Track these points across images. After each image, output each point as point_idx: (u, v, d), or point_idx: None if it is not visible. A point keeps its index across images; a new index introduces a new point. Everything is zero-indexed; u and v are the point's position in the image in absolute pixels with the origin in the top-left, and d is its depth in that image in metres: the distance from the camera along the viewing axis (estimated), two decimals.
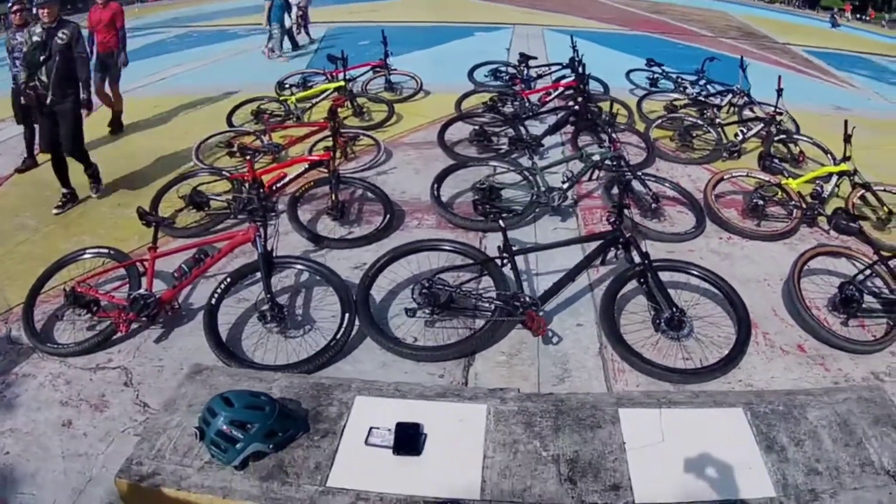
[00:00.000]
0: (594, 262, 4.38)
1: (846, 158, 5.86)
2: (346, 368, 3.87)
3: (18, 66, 5.91)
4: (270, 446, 2.50)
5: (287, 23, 13.71)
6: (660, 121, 7.95)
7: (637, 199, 5.90)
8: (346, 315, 4.04)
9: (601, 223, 5.84)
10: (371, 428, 2.46)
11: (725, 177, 6.11)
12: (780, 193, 5.91)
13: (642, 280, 4.19)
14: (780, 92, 7.38)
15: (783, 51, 16.39)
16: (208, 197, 5.84)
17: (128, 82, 10.95)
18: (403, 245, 4.53)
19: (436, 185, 5.91)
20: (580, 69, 8.20)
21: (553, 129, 7.41)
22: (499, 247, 4.26)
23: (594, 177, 6.07)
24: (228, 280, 4.27)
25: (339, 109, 7.59)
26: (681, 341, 4.08)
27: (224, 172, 6.19)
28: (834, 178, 5.90)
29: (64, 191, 6.23)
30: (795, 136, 7.27)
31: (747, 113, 8.45)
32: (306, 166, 6.03)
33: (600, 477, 2.17)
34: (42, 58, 5.70)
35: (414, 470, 2.24)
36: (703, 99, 8.75)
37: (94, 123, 8.04)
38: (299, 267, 4.49)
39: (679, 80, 9.91)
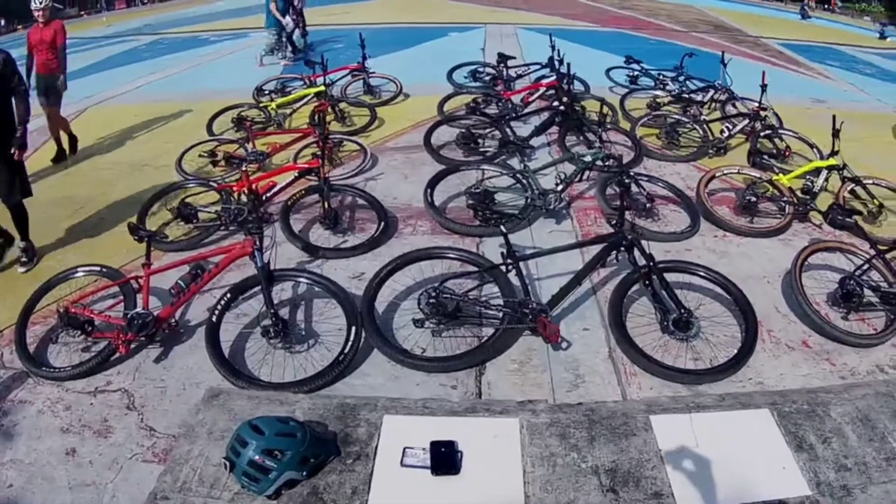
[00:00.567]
0: (601, 265, 4.45)
1: (834, 153, 6.02)
2: (356, 383, 3.87)
3: None
4: (304, 473, 2.48)
5: (289, 26, 13.52)
6: (645, 119, 8.07)
7: (632, 199, 5.99)
8: (353, 328, 4.03)
9: (596, 224, 5.94)
10: (405, 448, 2.47)
11: (717, 174, 6.23)
12: (771, 190, 6.05)
13: (647, 282, 4.28)
14: (764, 87, 7.55)
15: (756, 44, 16.72)
16: (197, 209, 5.78)
17: (105, 91, 10.85)
18: (406, 254, 4.55)
19: (429, 191, 5.93)
20: (566, 69, 8.27)
21: (540, 130, 7.50)
22: (502, 253, 4.30)
23: (584, 177, 6.17)
24: (228, 296, 4.21)
25: (318, 114, 7.62)
26: (689, 342, 4.16)
27: (211, 183, 6.14)
28: (823, 173, 6.06)
29: (22, 244, 5.51)
30: (780, 131, 7.43)
31: (730, 109, 8.63)
32: (296, 174, 6.02)
33: (641, 486, 2.23)
34: None
35: (455, 489, 2.26)
36: (686, 96, 8.91)
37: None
38: (301, 280, 4.47)
39: (660, 77, 10.05)
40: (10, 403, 3.84)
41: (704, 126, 7.87)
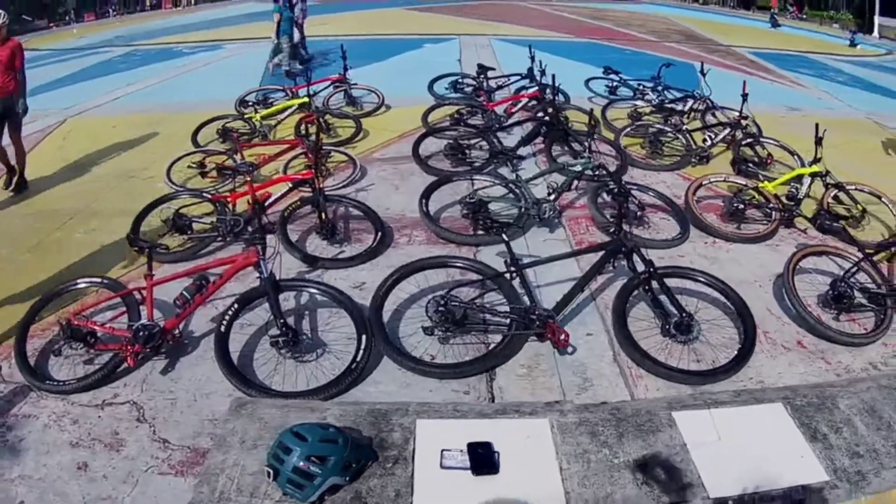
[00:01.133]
0: (600, 271, 4.64)
1: (817, 160, 6.33)
2: (370, 390, 3.98)
3: None
4: (347, 478, 2.57)
5: (296, 37, 13.54)
6: (628, 129, 8.34)
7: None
8: (364, 337, 4.13)
9: (588, 233, 6.14)
10: (442, 451, 2.58)
11: (704, 182, 6.49)
12: (757, 197, 6.33)
13: (647, 288, 4.48)
14: (745, 97, 7.86)
15: (728, 53, 17.29)
16: (191, 220, 5.83)
17: (83, 103, 10.81)
18: (410, 263, 4.68)
19: (424, 201, 6.07)
20: (551, 80, 8.51)
21: (526, 141, 7.72)
22: (505, 261, 4.47)
23: (573, 187, 6.38)
24: (236, 306, 4.27)
25: (309, 126, 7.74)
26: (690, 344, 4.36)
27: (205, 194, 6.20)
28: (807, 180, 6.36)
29: None
30: (762, 139, 7.76)
31: (709, 118, 8.96)
32: (290, 185, 6.12)
33: (673, 477, 2.39)
34: None
35: (495, 488, 2.38)
36: (667, 105, 9.22)
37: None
38: (307, 289, 4.58)
39: (641, 87, 10.36)
40: (13, 418, 3.82)
41: (687, 135, 8.16)
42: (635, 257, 4.54)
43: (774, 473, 2.39)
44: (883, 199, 6.26)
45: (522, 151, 7.64)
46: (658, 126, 8.40)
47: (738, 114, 8.10)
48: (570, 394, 3.92)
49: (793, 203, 6.25)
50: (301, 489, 2.53)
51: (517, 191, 6.17)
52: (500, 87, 10.68)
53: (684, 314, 4.32)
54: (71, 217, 6.53)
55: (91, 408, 3.90)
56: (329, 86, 10.37)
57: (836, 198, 6.32)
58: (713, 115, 9.03)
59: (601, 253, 4.65)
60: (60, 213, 6.63)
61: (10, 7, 7.13)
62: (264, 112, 9.03)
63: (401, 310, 4.75)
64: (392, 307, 4.71)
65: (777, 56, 17.28)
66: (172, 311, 4.48)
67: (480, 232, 5.84)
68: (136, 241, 4.77)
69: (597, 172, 6.29)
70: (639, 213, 6.11)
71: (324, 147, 7.64)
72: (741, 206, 6.18)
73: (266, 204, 5.90)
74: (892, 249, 4.98)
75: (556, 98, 8.47)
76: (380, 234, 5.76)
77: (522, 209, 5.99)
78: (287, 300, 4.75)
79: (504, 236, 4.65)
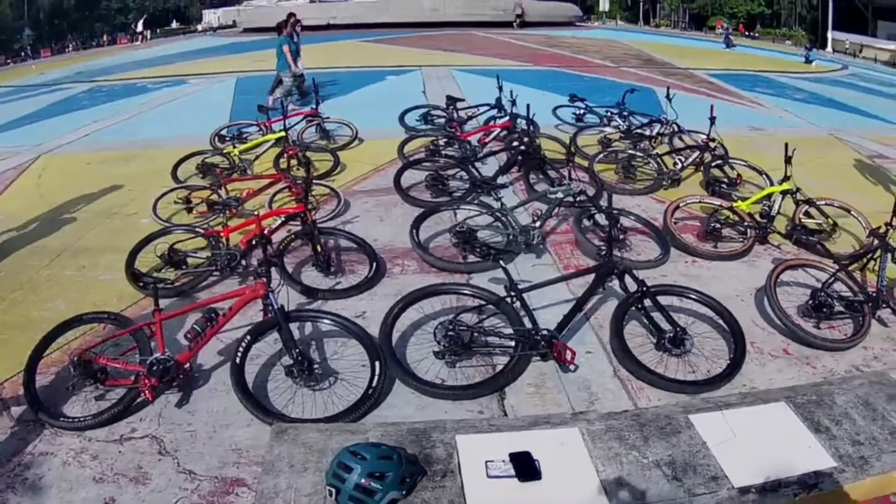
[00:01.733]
0: (595, 293, 4.98)
1: (787, 178, 6.82)
2: (387, 414, 4.19)
3: None
4: (403, 493, 2.77)
5: (300, 68, 13.69)
6: (601, 155, 8.78)
7: (604, 231, 6.57)
8: (377, 363, 4.35)
9: (574, 256, 6.49)
10: (486, 462, 2.82)
11: (681, 204, 6.91)
12: (732, 216, 6.78)
13: (640, 306, 4.82)
14: (713, 120, 8.39)
15: (686, 75, 18.11)
16: (186, 254, 5.98)
17: (52, 139, 10.93)
18: (415, 291, 4.94)
19: (414, 231, 6.34)
20: (526, 110, 8.90)
21: (504, 170, 8.09)
22: (505, 286, 4.76)
23: (553, 213, 6.75)
24: (248, 338, 4.42)
25: (288, 160, 7.99)
26: (684, 357, 4.71)
27: (197, 229, 6.36)
28: (779, 198, 6.84)
29: None
30: (730, 161, 8.28)
31: (677, 142, 9.49)
32: (282, 219, 6.33)
33: (699, 472, 2.69)
34: None
35: (541, 492, 2.63)
36: (639, 131, 9.72)
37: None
38: (317, 319, 4.80)
39: (609, 114, 10.85)
40: (29, 456, 3.87)
41: (658, 159, 8.63)
42: (627, 278, 4.88)
43: (788, 462, 2.72)
44: (851, 212, 6.78)
45: (501, 180, 7.99)
46: (629, 151, 8.85)
47: (705, 136, 8.61)
48: (580, 408, 4.19)
49: (766, 220, 6.71)
50: None
51: (504, 219, 6.49)
52: (470, 118, 11.06)
53: (678, 328, 4.67)
54: (58, 254, 6.63)
55: (110, 443, 3.99)
56: (302, 120, 10.60)
57: (807, 213, 6.81)
58: (680, 138, 9.55)
59: (594, 275, 5.00)
60: (48, 250, 6.73)
61: None
62: (242, 147, 9.23)
63: (405, 336, 4.98)
64: (396, 334, 4.90)
65: (735, 77, 18.17)
66: (180, 345, 4.62)
67: (474, 259, 6.13)
68: (142, 277, 4.90)
69: (578, 198, 6.67)
70: (621, 236, 6.47)
71: (304, 180, 7.90)
72: (717, 225, 6.61)
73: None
74: (864, 260, 5.46)
75: (531, 127, 8.85)
76: (375, 264, 6.00)
77: (510, 236, 6.30)
78: (296, 330, 4.93)
79: (501, 263, 4.96)
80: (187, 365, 4.51)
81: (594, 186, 8.04)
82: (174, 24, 57.93)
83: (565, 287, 5.55)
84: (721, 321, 4.90)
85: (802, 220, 6.73)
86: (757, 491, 2.60)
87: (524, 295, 4.77)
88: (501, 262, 5.02)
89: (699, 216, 7.08)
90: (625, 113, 10.64)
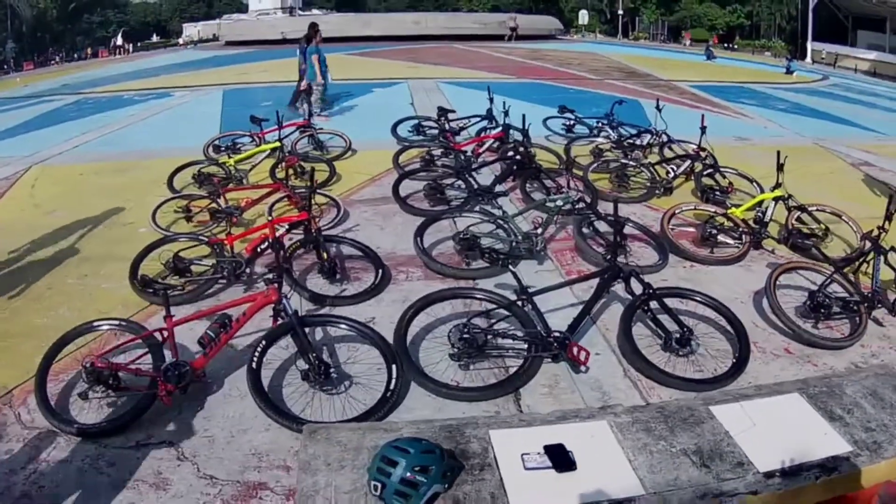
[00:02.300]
0: (601, 296, 5.14)
1: (779, 185, 7.05)
2: (406, 417, 4.27)
3: None
4: (446, 486, 2.85)
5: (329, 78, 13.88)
6: (595, 164, 8.99)
7: (604, 237, 6.75)
8: (394, 366, 4.44)
9: (575, 262, 6.64)
10: (522, 454, 2.93)
11: (677, 212, 7.10)
12: (726, 222, 6.99)
13: (646, 308, 4.99)
14: (703, 129, 8.64)
15: (669, 87, 18.48)
16: (190, 262, 6.04)
17: (42, 150, 10.97)
18: (428, 295, 5.06)
19: (418, 239, 6.47)
20: (521, 120, 9.08)
21: (501, 179, 8.27)
22: (515, 290, 4.91)
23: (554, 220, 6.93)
24: (264, 343, 4.47)
25: (281, 169, 8.11)
26: (690, 357, 4.88)
27: (201, 237, 6.43)
28: (772, 204, 7.06)
29: None
30: (722, 169, 8.52)
31: (667, 152, 9.72)
32: (286, 227, 6.41)
33: (725, 458, 2.83)
34: None
35: (578, 481, 2.74)
36: (631, 141, 9.95)
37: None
38: (331, 324, 4.89)
39: (600, 125, 11.08)
40: (44, 463, 3.86)
41: (650, 168, 8.85)
42: (633, 281, 5.05)
43: (808, 448, 2.88)
44: (843, 217, 7.01)
45: (498, 189, 8.15)
46: (622, 161, 9.07)
47: (695, 146, 8.86)
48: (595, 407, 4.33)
49: (760, 226, 6.93)
50: (407, 499, 2.75)
51: (506, 226, 6.63)
52: (462, 129, 11.23)
53: (684, 329, 4.84)
54: (58, 263, 6.65)
55: (126, 449, 3.99)
56: (295, 130, 10.71)
57: (799, 219, 7.03)
58: (670, 148, 9.79)
59: (600, 279, 5.16)
60: (47, 259, 6.74)
61: None
62: (237, 157, 9.32)
63: (418, 340, 5.08)
64: (409, 337, 4.98)
65: (718, 88, 18.57)
66: (190, 351, 4.66)
67: (478, 265, 6.28)
68: (152, 283, 4.94)
69: (577, 206, 6.85)
70: (622, 243, 6.63)
71: (303, 189, 8.00)
72: (713, 231, 6.81)
73: (265, 246, 6.16)
74: (858, 263, 5.69)
75: (527, 137, 9.03)
76: (381, 271, 6.12)
77: (513, 243, 6.44)
78: (310, 335, 4.99)
79: (511, 267, 5.11)
80: (201, 371, 4.51)
81: (590, 195, 8.23)
82: (154, 38, 57.95)
83: (570, 292, 5.71)
84: (725, 322, 5.08)
85: (795, 226, 6.95)
86: (781, 475, 2.76)
87: (534, 298, 4.92)
88: (511, 266, 5.16)
89: (694, 223, 7.28)
90: (614, 124, 10.87)
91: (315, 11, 60.68)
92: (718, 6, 49.95)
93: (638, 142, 10.08)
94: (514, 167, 8.49)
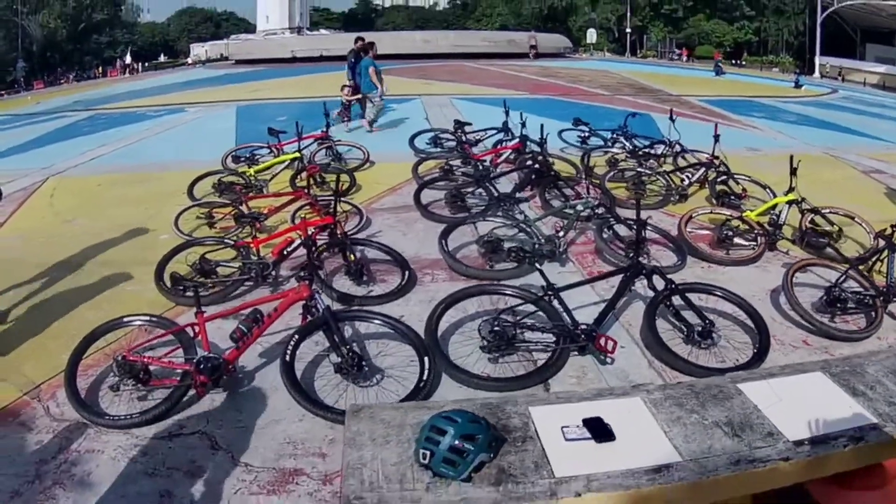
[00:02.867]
0: (624, 293, 5.33)
1: (792, 189, 7.26)
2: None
3: None
4: (491, 455, 3.02)
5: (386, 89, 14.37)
6: (613, 173, 9.23)
7: (624, 240, 6.95)
8: (426, 358, 4.64)
9: (595, 264, 6.85)
10: (561, 427, 3.10)
11: (693, 215, 7.33)
12: (742, 225, 7.19)
13: (668, 303, 5.18)
14: (717, 138, 8.90)
15: (680, 102, 18.76)
16: (217, 264, 6.26)
17: (58, 163, 11.26)
18: (458, 291, 5.32)
19: (443, 241, 6.69)
20: (540, 131, 9.34)
21: (521, 187, 8.50)
22: (542, 286, 5.11)
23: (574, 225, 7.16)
24: (297, 336, 4.65)
25: (301, 179, 8.52)
26: (712, 348, 5.09)
27: (226, 240, 6.69)
28: (786, 207, 7.28)
29: None
30: (734, 176, 8.73)
31: (681, 161, 9.95)
32: (312, 230, 6.62)
33: (755, 429, 2.99)
34: None
35: (617, 451, 2.89)
36: (647, 151, 10.21)
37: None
38: (363, 319, 5.09)
39: (615, 136, 11.36)
40: (75, 454, 3.96)
41: (665, 176, 9.09)
42: (655, 277, 5.24)
43: (835, 419, 3.04)
44: (855, 219, 7.23)
45: (519, 196, 8.37)
46: (638, 169, 9.31)
47: (708, 155, 9.10)
48: None
49: (774, 228, 7.13)
50: (455, 467, 2.81)
51: (528, 230, 6.85)
52: (478, 141, 11.49)
53: (706, 321, 5.03)
54: (81, 267, 6.85)
55: (159, 440, 4.09)
56: (313, 142, 10.98)
57: (812, 221, 7.24)
58: (683, 157, 10.03)
59: (623, 276, 5.35)
60: (70, 263, 6.91)
61: None
62: (257, 168, 9.62)
63: (447, 334, 5.27)
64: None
65: (728, 102, 18.84)
66: (219, 348, 4.74)
67: (504, 266, 6.53)
68: (181, 281, 5.13)
69: (597, 211, 7.07)
70: (642, 244, 6.84)
71: (326, 197, 8.23)
72: (729, 233, 7.04)
73: (291, 249, 6.36)
74: (871, 261, 5.89)
75: (545, 147, 9.27)
76: (407, 272, 6.32)
77: (536, 246, 6.65)
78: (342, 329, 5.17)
79: (537, 265, 5.32)
80: (232, 365, 4.64)
81: (606, 201, 8.44)
82: (162, 58, 58.78)
83: (592, 290, 5.93)
84: (744, 315, 5.30)
85: (809, 227, 7.16)
86: (810, 443, 2.92)
87: (560, 294, 5.11)
88: (537, 264, 5.36)
89: (710, 226, 7.48)
90: (628, 135, 11.13)
91: (323, 31, 61.63)
92: (726, 23, 50.50)
93: (652, 152, 10.31)
94: (533, 175, 8.72)
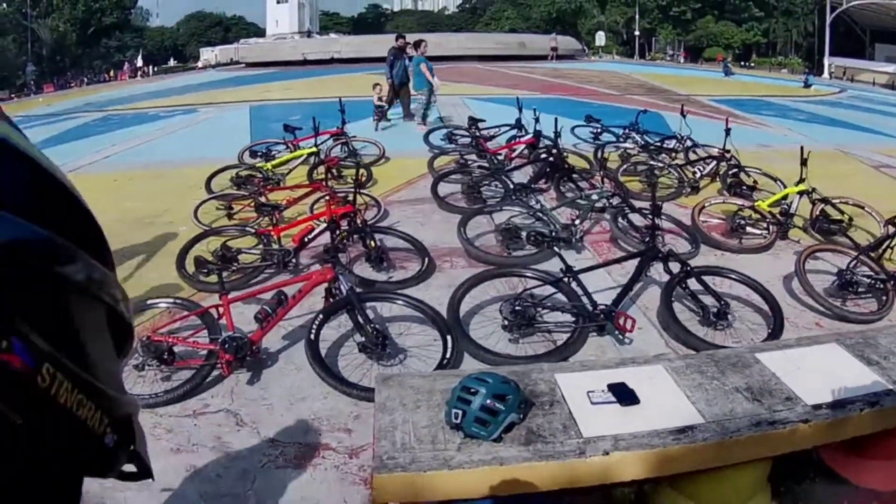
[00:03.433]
0: (640, 277, 5.45)
1: (802, 179, 7.38)
2: None
3: None
4: (521, 417, 3.13)
5: (438, 88, 14.57)
6: (626, 166, 9.36)
7: (637, 229, 7.06)
8: (449, 337, 4.76)
9: (610, 252, 6.96)
10: (587, 392, 3.23)
11: (706, 205, 7.46)
12: (754, 214, 7.31)
13: (684, 285, 5.29)
14: (728, 131, 9.02)
15: (690, 101, 18.84)
16: (238, 251, 6.38)
17: (73, 161, 11.33)
18: (479, 273, 5.51)
19: (462, 229, 6.83)
20: (553, 124, 9.45)
21: (536, 179, 8.63)
22: (561, 269, 5.24)
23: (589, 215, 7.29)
24: (322, 316, 4.75)
25: (319, 172, 8.62)
26: (727, 329, 5.22)
27: (248, 229, 6.84)
28: (797, 197, 7.39)
29: None
30: (745, 169, 8.84)
31: (692, 155, 10.08)
32: (333, 218, 6.76)
33: (774, 394, 3.12)
34: None
35: (641, 413, 3.03)
36: (658, 145, 10.35)
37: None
38: (386, 300, 5.24)
39: (627, 132, 11.54)
40: None
41: (678, 169, 9.21)
42: (671, 260, 5.36)
43: (850, 386, 3.16)
44: (865, 208, 7.34)
45: (535, 187, 8.51)
46: (651, 163, 9.43)
47: (719, 149, 9.21)
48: None
49: (786, 218, 7.24)
50: (486, 426, 2.92)
51: (544, 218, 6.97)
52: (492, 137, 11.63)
53: (722, 303, 5.15)
54: None
55: (184, 418, 4.17)
56: (329, 138, 11.13)
57: (823, 211, 7.35)
58: (695, 152, 10.16)
59: (639, 259, 5.48)
60: None
61: None
62: (274, 162, 9.82)
63: (468, 317, 5.38)
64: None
65: (737, 101, 18.94)
66: (244, 330, 4.73)
67: (521, 252, 6.68)
68: (206, 264, 5.27)
69: (612, 201, 7.20)
70: (656, 232, 6.96)
71: (345, 189, 8.36)
72: (741, 222, 7.18)
73: (313, 235, 6.50)
74: (882, 248, 6.00)
75: (559, 140, 9.39)
76: (426, 259, 6.45)
77: (553, 233, 6.77)
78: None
79: (556, 248, 5.45)
80: (257, 346, 4.71)
81: (620, 193, 8.56)
82: (172, 62, 59.21)
83: (608, 276, 6.05)
84: (758, 297, 5.42)
85: (818, 217, 7.28)
86: (828, 406, 3.04)
87: (578, 277, 5.24)
88: (555, 247, 5.49)
89: (722, 216, 7.59)
90: (640, 131, 11.27)
91: (332, 35, 61.93)
92: (734, 25, 50.50)
93: (663, 146, 10.44)
94: (548, 168, 8.84)
